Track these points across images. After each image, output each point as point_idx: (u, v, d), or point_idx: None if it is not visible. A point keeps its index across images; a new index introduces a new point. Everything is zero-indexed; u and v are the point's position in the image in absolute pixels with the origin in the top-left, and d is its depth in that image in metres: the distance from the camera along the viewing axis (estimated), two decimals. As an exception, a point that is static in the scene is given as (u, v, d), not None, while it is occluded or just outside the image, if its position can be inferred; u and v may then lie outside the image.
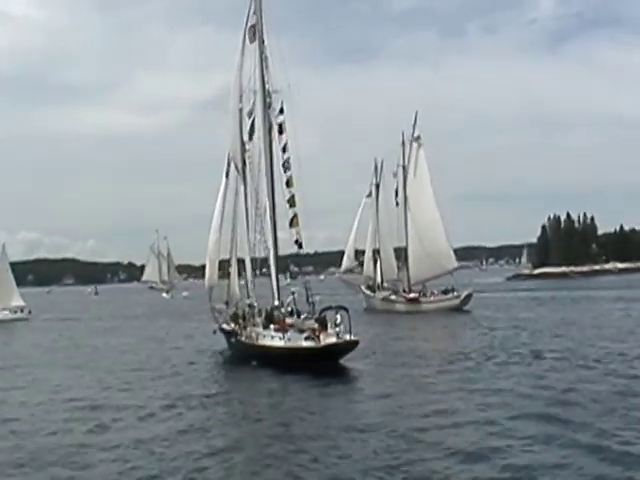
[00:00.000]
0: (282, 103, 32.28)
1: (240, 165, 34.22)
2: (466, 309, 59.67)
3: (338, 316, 28.99)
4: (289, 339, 29.25)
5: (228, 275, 36.54)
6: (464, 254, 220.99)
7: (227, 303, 36.13)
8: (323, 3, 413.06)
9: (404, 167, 67.09)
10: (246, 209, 33.73)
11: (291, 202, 32.18)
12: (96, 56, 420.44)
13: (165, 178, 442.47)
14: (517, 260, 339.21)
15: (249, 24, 32.61)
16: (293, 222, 32.28)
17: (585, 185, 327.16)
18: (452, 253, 65.11)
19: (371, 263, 70.70)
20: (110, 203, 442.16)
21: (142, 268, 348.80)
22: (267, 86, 32.53)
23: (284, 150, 32.22)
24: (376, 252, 70.46)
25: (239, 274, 35.79)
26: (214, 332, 36.43)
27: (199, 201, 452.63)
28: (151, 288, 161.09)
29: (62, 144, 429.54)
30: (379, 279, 69.87)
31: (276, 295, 32.33)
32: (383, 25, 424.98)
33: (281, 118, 32.24)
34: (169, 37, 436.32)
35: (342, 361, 28.32)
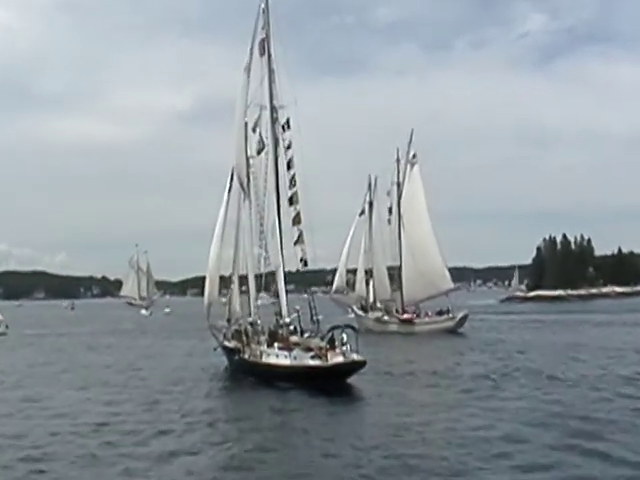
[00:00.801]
0: (288, 119, 33.75)
1: (245, 181, 35.76)
2: (461, 331, 61.28)
3: (344, 335, 30.38)
4: (295, 357, 30.36)
5: (220, 291, 38.19)
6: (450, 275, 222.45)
7: (229, 320, 37.50)
8: (307, 16, 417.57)
9: (398, 184, 69.09)
10: (250, 225, 35.25)
11: (296, 219, 33.46)
12: (72, 66, 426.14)
13: (140, 191, 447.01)
14: (506, 282, 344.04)
15: (259, 38, 34.15)
16: (299, 239, 33.53)
17: (576, 205, 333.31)
18: (447, 273, 66.78)
19: (363, 282, 72.38)
20: (82, 215, 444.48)
21: (116, 283, 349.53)
22: (274, 101, 34.03)
23: (289, 166, 33.68)
24: (369, 271, 72.40)
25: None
26: (214, 349, 37.78)
27: (176, 215, 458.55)
28: (129, 304, 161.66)
29: (35, 154, 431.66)
30: (371, 299, 71.79)
31: (284, 312, 33.51)
32: (369, 38, 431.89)
33: (288, 134, 33.71)
34: (147, 48, 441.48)
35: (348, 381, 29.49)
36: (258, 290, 35.74)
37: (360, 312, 70.02)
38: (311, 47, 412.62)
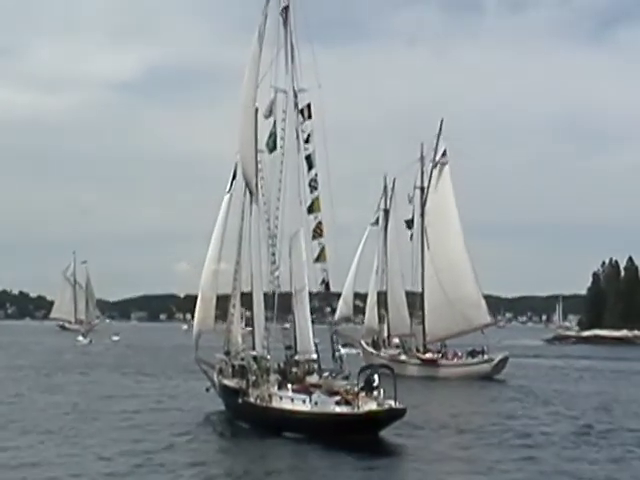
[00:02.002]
0: (309, 105, 35.98)
1: (254, 180, 38.12)
2: (499, 378, 63.86)
3: (376, 376, 32.43)
4: (316, 403, 31.96)
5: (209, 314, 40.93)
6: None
7: (228, 353, 39.70)
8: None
9: (422, 189, 71.79)
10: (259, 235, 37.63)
11: (317, 231, 35.67)
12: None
13: (68, 179, 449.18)
14: (544, 317, 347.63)
15: (281, 5, 36.22)
16: (320, 256, 35.77)
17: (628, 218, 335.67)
18: (484, 304, 69.22)
19: (375, 311, 75.09)
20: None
21: (37, 300, 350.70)
22: (293, 83, 36.23)
23: (310, 165, 35.95)
24: (382, 297, 75.16)
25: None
26: (207, 390, 39.98)
27: (114, 214, 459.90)
28: (62, 328, 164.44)
29: None
30: (385, 333, 74.26)
31: (305, 346, 35.77)
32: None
33: (308, 124, 35.96)
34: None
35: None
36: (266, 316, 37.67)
37: (370, 349, 71.82)
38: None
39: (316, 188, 35.87)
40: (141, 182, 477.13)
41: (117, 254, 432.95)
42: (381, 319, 75.13)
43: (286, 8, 36.26)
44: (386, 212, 75.93)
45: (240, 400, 35.71)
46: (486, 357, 66.19)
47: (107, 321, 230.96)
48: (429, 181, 71.58)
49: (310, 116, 35.99)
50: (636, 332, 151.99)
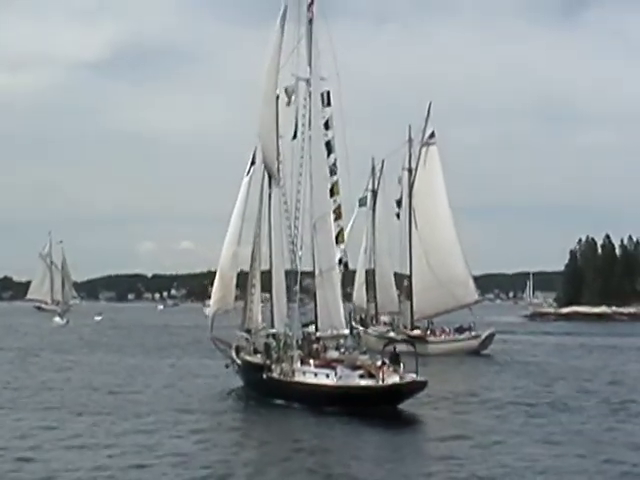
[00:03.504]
0: (329, 93, 39.01)
1: (276, 165, 40.98)
2: (486, 353, 67.43)
3: (397, 349, 35.34)
4: (341, 377, 34.30)
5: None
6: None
7: (249, 331, 42.45)
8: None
9: (410, 171, 74.69)
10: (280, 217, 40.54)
11: (337, 213, 38.80)
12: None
13: (29, 160, 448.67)
14: (511, 294, 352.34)
15: None
16: (339, 237, 38.99)
17: (613, 198, 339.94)
18: (472, 282, 72.78)
19: (363, 289, 78.00)
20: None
21: (3, 281, 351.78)
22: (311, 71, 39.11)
23: (330, 150, 38.89)
24: (371, 276, 78.44)
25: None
26: (226, 367, 42.40)
27: (81, 194, 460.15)
28: (39, 309, 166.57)
29: None
30: (373, 310, 77.81)
31: (335, 321, 38.76)
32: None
33: (328, 111, 38.92)
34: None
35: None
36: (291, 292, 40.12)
37: (358, 327, 75.12)
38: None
39: (335, 173, 38.93)
40: (108, 162, 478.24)
41: (83, 234, 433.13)
42: (369, 298, 78.53)
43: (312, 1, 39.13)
44: (374, 193, 79.31)
45: (264, 376, 37.78)
46: (473, 333, 69.48)
47: (76, 301, 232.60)
48: (417, 162, 74.29)
49: (329, 103, 38.93)
50: (614, 308, 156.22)
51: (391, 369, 34.13)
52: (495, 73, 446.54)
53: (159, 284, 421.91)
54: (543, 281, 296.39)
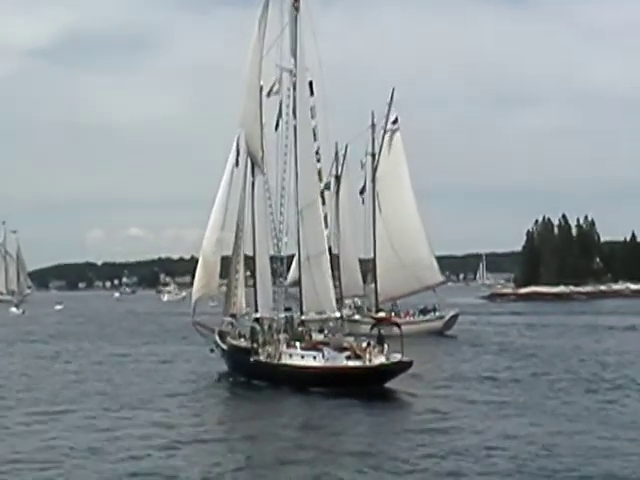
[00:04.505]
0: (311, 82, 41.27)
1: (260, 154, 43.31)
2: (450, 333, 70.38)
3: (382, 331, 37.85)
4: (328, 358, 36.28)
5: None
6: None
7: (234, 315, 44.35)
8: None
9: (374, 156, 77.22)
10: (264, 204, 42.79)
11: (322, 198, 41.46)
12: None
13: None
14: (461, 276, 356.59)
15: None
16: (324, 223, 41.63)
17: (549, 179, 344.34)
18: (435, 264, 75.61)
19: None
20: None
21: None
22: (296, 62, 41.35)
23: (314, 138, 41.20)
24: (335, 260, 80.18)
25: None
26: (211, 351, 44.14)
27: (31, 183, 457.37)
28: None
29: None
30: (338, 294, 79.97)
31: (326, 305, 41.29)
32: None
33: (311, 100, 41.27)
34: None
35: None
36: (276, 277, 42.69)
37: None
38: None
39: (319, 160, 41.76)
40: (58, 150, 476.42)
41: (31, 223, 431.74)
42: (334, 282, 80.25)
43: None
44: (337, 178, 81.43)
45: (252, 359, 39.70)
46: (437, 314, 72.64)
47: (29, 291, 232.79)
48: (380, 147, 76.84)
49: (312, 93, 41.38)
50: (572, 288, 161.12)
51: (376, 350, 36.17)
52: (445, 57, 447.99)
53: (110, 272, 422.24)
54: (493, 263, 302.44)
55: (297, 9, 41.24)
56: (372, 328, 38.93)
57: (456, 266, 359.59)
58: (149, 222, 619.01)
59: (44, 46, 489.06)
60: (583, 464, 23.52)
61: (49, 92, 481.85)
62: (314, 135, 41.63)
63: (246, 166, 44.31)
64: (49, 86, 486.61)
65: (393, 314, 73.43)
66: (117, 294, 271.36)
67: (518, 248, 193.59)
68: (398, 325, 39.95)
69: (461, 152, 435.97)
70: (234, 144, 44.53)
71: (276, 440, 27.88)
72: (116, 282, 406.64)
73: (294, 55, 41.55)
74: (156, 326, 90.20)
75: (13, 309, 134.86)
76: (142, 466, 24.32)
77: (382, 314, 73.10)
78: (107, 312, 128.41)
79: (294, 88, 41.50)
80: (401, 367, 35.95)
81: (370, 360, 35.93)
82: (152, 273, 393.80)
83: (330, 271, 42.45)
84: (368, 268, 78.09)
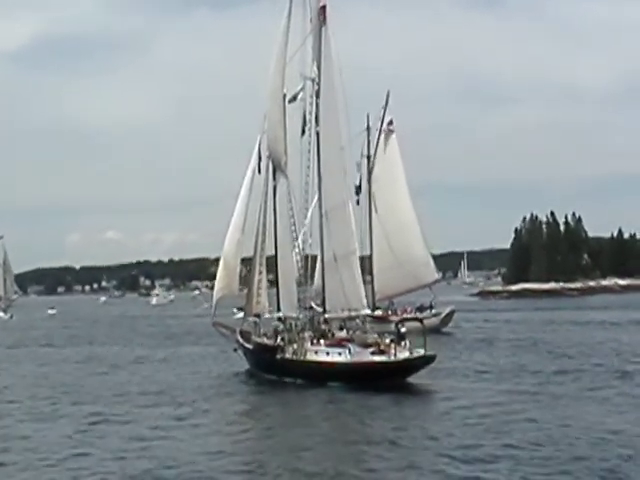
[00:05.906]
0: None
1: (284, 159, 45.52)
2: (446, 330, 73.07)
3: (404, 329, 39.71)
4: (354, 354, 38.55)
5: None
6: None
7: (258, 315, 46.55)
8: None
9: (369, 158, 79.70)
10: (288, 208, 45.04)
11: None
12: None
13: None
14: (445, 274, 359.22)
15: (320, 3, 43.54)
16: None
17: (532, 177, 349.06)
18: (432, 262, 78.74)
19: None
20: None
21: None
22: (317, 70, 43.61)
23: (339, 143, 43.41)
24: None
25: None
26: (235, 350, 46.70)
27: (5, 188, 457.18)
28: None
29: None
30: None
31: (356, 303, 42.93)
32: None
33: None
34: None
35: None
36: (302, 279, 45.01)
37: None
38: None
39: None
40: (31, 154, 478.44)
41: (7, 227, 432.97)
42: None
43: (324, 7, 43.72)
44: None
45: (278, 356, 42.05)
46: (434, 311, 75.46)
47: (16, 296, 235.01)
48: (375, 149, 79.39)
49: None
50: (562, 284, 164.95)
51: (400, 346, 38.60)
52: (426, 55, 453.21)
53: (88, 276, 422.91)
54: (472, 261, 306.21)
55: (324, 22, 43.64)
56: (397, 325, 40.95)
57: (436, 265, 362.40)
58: (127, 225, 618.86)
59: (19, 50, 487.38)
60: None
61: (28, 97, 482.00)
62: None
63: (267, 171, 46.67)
64: (27, 90, 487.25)
65: (389, 312, 75.03)
66: (103, 298, 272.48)
67: (497, 246, 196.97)
68: (421, 321, 42.46)
69: (443, 150, 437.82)
70: (255, 150, 47.07)
71: (303, 429, 30.34)
72: (95, 286, 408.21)
73: (318, 66, 43.82)
74: (164, 328, 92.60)
75: (0, 314, 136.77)
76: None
77: (379, 312, 73.69)
78: (102, 316, 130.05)
79: (317, 96, 43.72)
80: (425, 361, 38.27)
81: (395, 355, 38.29)
82: (131, 276, 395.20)
83: (359, 270, 44.32)
84: (364, 267, 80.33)
